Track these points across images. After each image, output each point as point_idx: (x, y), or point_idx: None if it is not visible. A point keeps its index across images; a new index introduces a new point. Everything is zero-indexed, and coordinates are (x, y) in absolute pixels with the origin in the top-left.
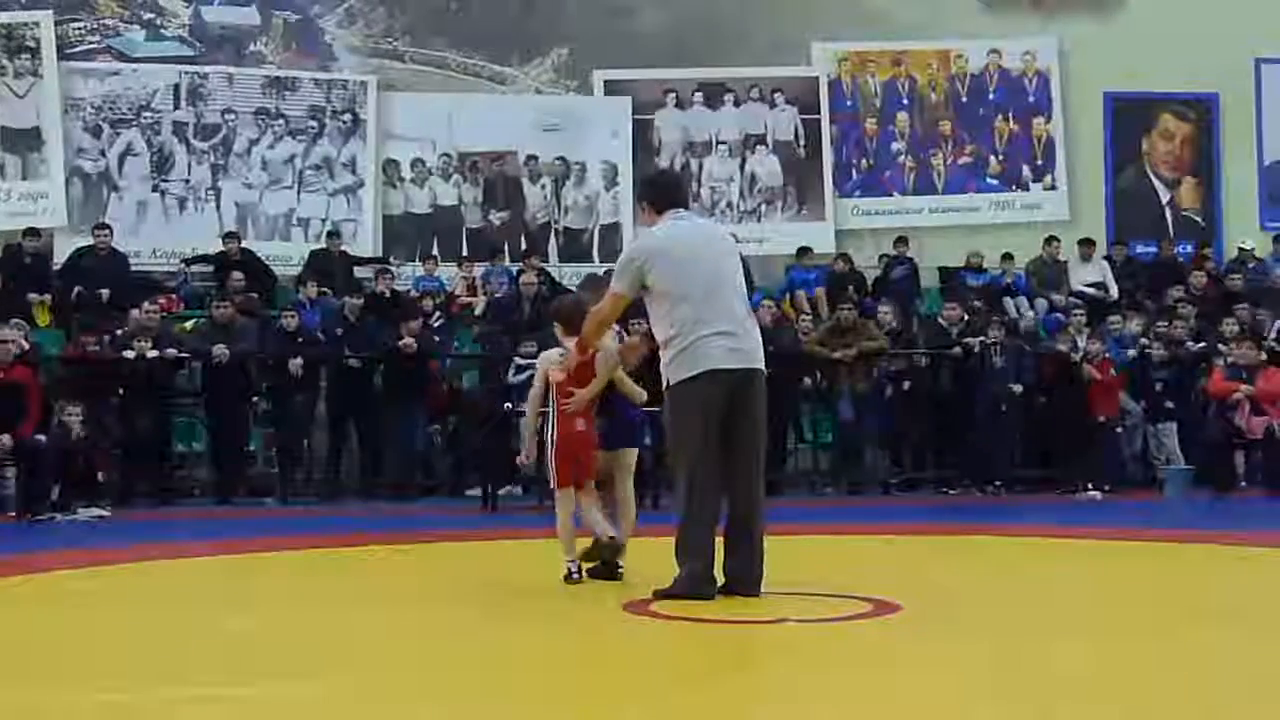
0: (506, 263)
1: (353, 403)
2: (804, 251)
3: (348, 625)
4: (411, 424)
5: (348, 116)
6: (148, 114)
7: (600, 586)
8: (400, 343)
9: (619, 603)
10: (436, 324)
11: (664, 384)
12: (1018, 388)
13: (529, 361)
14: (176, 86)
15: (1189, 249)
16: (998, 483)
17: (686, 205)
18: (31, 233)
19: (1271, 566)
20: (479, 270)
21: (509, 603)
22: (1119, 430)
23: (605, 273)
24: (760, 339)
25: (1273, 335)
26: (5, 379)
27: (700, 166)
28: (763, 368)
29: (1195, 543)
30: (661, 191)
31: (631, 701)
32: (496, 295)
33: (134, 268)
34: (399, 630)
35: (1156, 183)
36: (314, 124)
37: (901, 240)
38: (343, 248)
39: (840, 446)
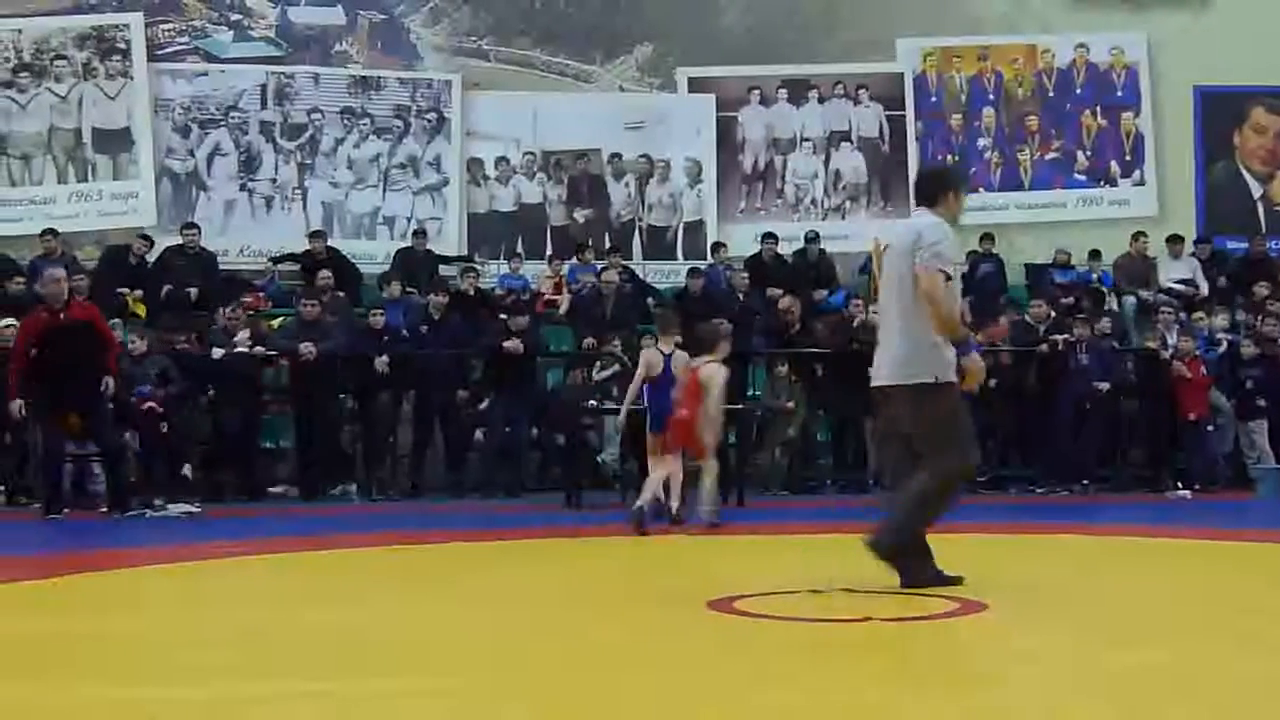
0: (591, 260)
1: (438, 401)
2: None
3: (435, 621)
4: (513, 423)
5: (432, 115)
6: (235, 114)
7: (685, 585)
8: (506, 344)
9: (704, 600)
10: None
11: None
12: (1104, 385)
13: (612, 358)
14: (263, 87)
15: None
16: (1085, 481)
17: (929, 202)
18: (144, 237)
19: None
20: (564, 268)
21: (595, 600)
22: (1210, 429)
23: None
24: (905, 350)
25: None
26: (67, 320)
27: (784, 163)
28: (896, 382)
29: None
30: (915, 188)
31: (710, 701)
32: (581, 293)
33: (222, 267)
34: (478, 628)
35: (1248, 177)
36: (399, 123)
37: (987, 237)
38: (428, 246)
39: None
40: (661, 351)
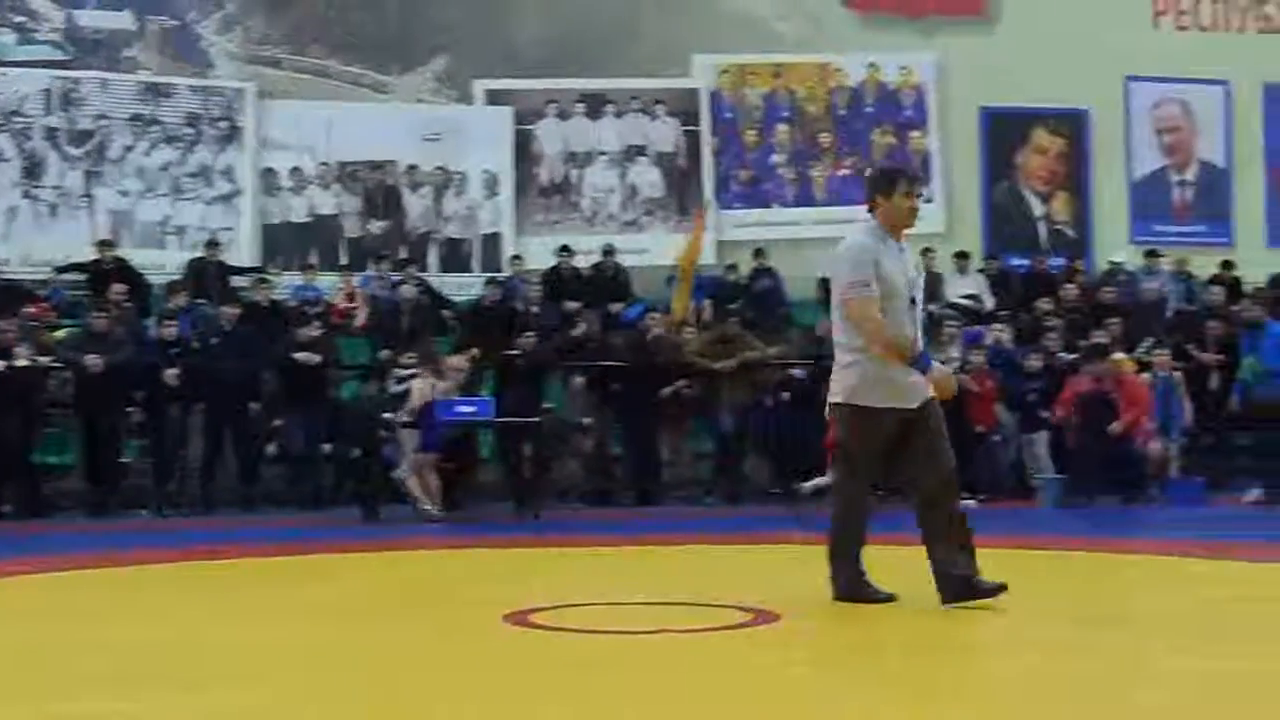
0: (385, 270)
1: (229, 413)
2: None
3: (235, 637)
4: (307, 435)
5: (225, 124)
6: (18, 119)
7: (482, 597)
8: (298, 355)
9: (500, 614)
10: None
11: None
12: None
13: (410, 372)
14: (48, 91)
15: (1062, 262)
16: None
17: (869, 208)
18: None
19: (1115, 570)
20: (357, 279)
21: (392, 614)
22: (996, 440)
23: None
24: (840, 362)
25: (1142, 350)
26: None
27: (582, 177)
28: (832, 399)
29: (1063, 550)
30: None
31: (492, 716)
32: (376, 300)
33: (2, 275)
34: (275, 643)
35: (1030, 196)
36: (190, 131)
37: (760, 252)
38: (220, 257)
39: (720, 457)
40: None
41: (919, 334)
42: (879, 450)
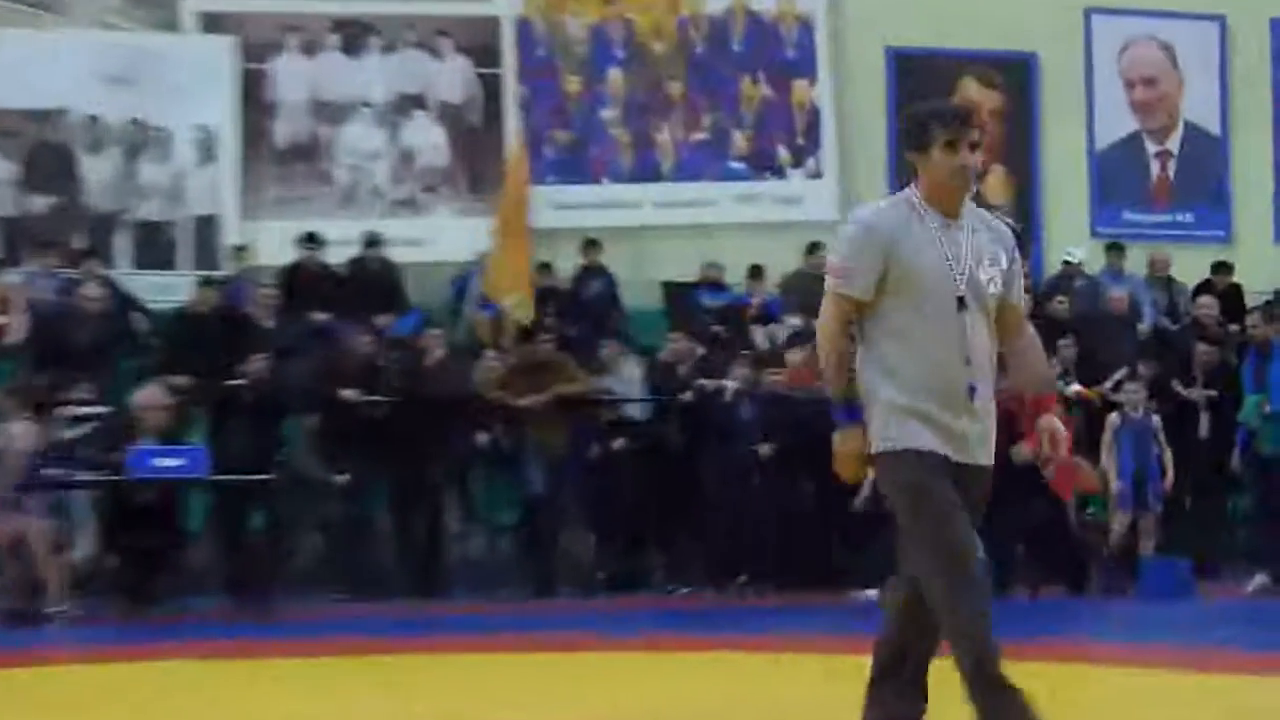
0: (53, 265)
1: None
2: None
3: None
4: None
5: None
6: None
7: None
8: None
9: None
10: None
11: None
12: (766, 448)
13: (91, 410)
14: None
15: None
16: (743, 578)
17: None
18: None
19: None
20: (15, 277)
21: None
22: None
23: None
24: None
25: (1110, 385)
26: None
27: (335, 137)
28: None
29: None
30: None
31: None
32: (39, 306)
33: None
34: None
35: None
36: None
37: (593, 245)
38: None
39: (528, 529)
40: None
41: (979, 361)
42: (955, 498)
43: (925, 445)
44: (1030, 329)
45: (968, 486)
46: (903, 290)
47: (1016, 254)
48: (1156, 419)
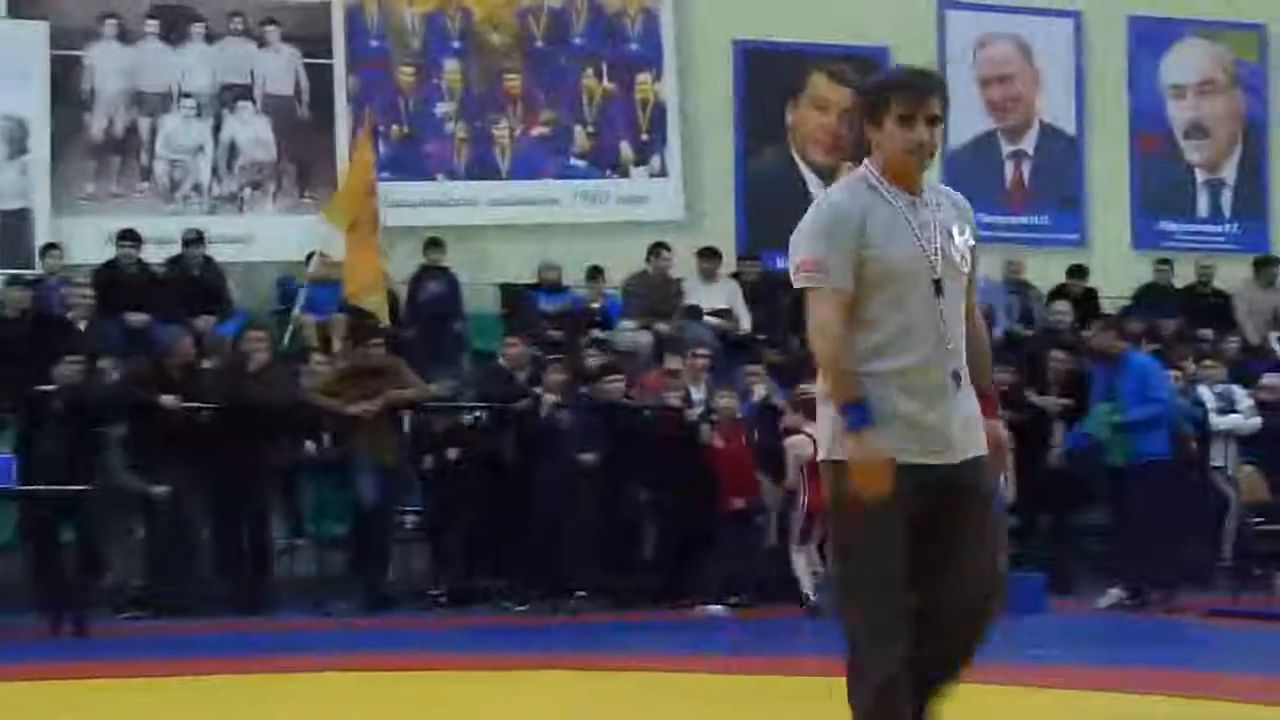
0: None
1: None
2: (313, 258)
3: None
4: None
5: None
6: None
7: None
8: None
9: None
10: None
11: None
12: (589, 457)
13: None
14: None
15: None
16: (578, 593)
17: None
18: None
19: None
20: None
21: None
22: (757, 521)
23: None
24: (820, 393)
25: None
26: None
27: (154, 129)
28: (821, 456)
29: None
30: None
31: None
32: None
33: None
34: None
35: (806, 171)
36: None
37: (434, 244)
38: None
39: (359, 542)
40: None
41: (958, 344)
42: (898, 531)
43: (887, 454)
44: (980, 319)
45: (953, 487)
46: (875, 279)
47: (970, 233)
48: (1004, 430)
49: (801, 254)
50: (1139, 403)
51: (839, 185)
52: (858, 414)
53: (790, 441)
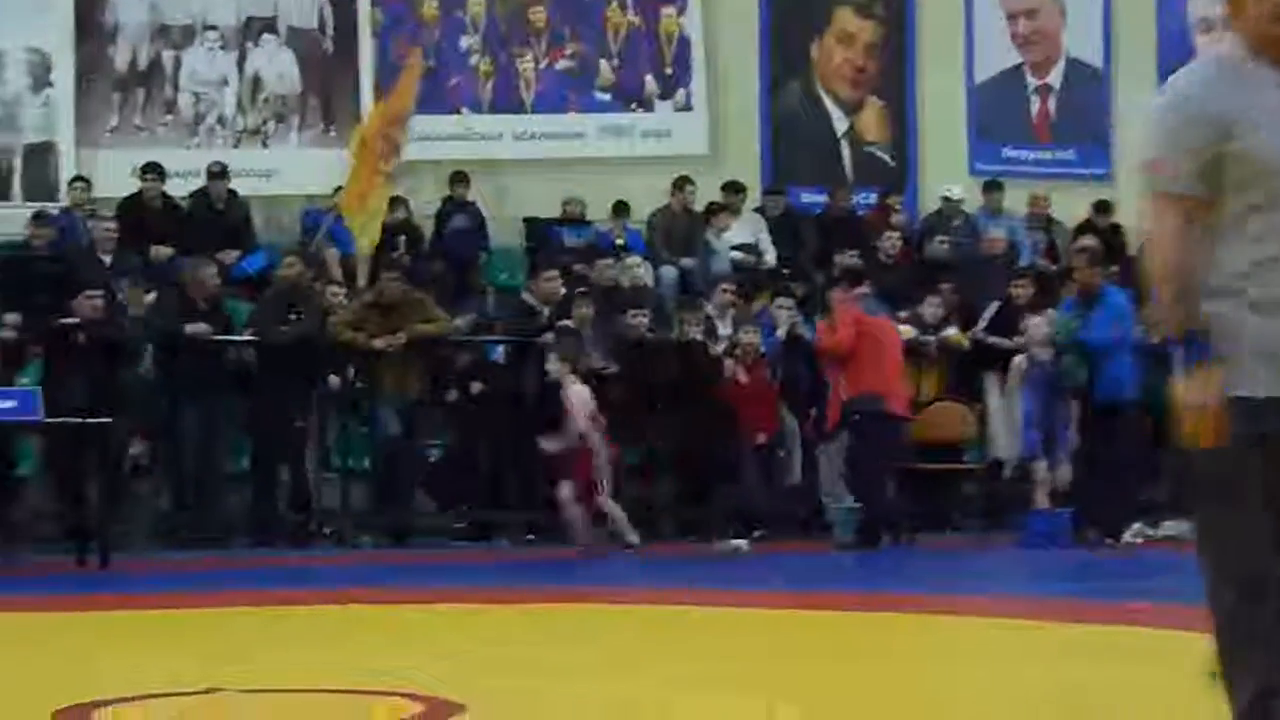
0: None
1: None
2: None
3: None
4: None
5: None
6: None
7: (30, 686)
8: None
9: (50, 710)
10: None
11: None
12: (610, 368)
13: None
14: None
15: (873, 199)
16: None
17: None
18: None
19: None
20: None
21: None
22: (781, 454)
23: None
24: None
25: (983, 322)
26: None
27: (178, 62)
28: None
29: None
30: None
31: None
32: None
33: None
34: None
35: (830, 104)
36: None
37: (460, 178)
38: None
39: (382, 476)
40: None
41: None
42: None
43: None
44: None
45: None
46: (1248, 180)
47: None
48: (1065, 360)
49: (1146, 151)
50: (1104, 330)
51: (1195, 65)
52: (1197, 346)
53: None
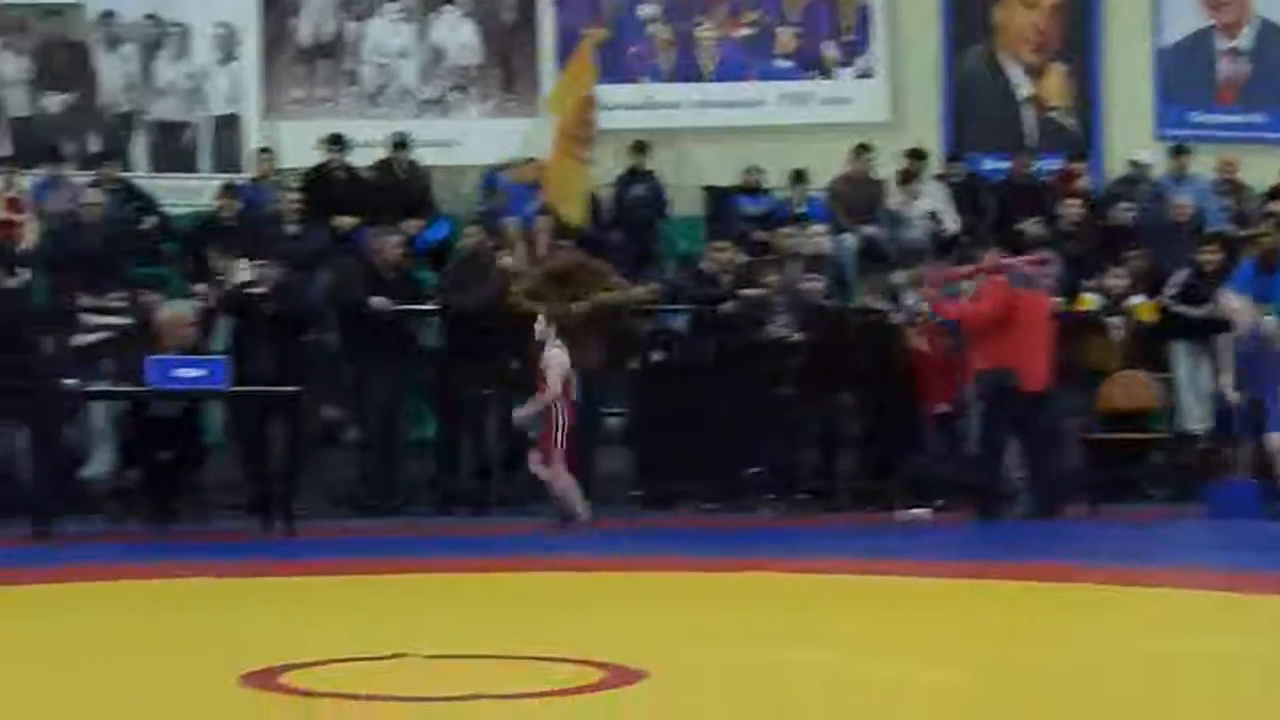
0: (67, 169)
1: None
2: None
3: None
4: None
5: None
6: None
7: (215, 649)
8: None
9: (238, 673)
10: None
11: None
12: (795, 335)
13: (103, 320)
14: None
15: (1058, 165)
16: (771, 496)
17: None
18: None
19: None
20: (28, 181)
21: (92, 671)
22: (959, 424)
23: None
24: None
25: (1172, 290)
26: None
27: (361, 34)
28: None
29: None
30: None
31: None
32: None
33: None
34: None
35: (1012, 70)
36: None
37: (639, 148)
38: None
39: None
40: None
41: None
42: None
43: None
44: None
45: None
46: None
47: None
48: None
49: None
50: None
51: None
52: None
53: None
